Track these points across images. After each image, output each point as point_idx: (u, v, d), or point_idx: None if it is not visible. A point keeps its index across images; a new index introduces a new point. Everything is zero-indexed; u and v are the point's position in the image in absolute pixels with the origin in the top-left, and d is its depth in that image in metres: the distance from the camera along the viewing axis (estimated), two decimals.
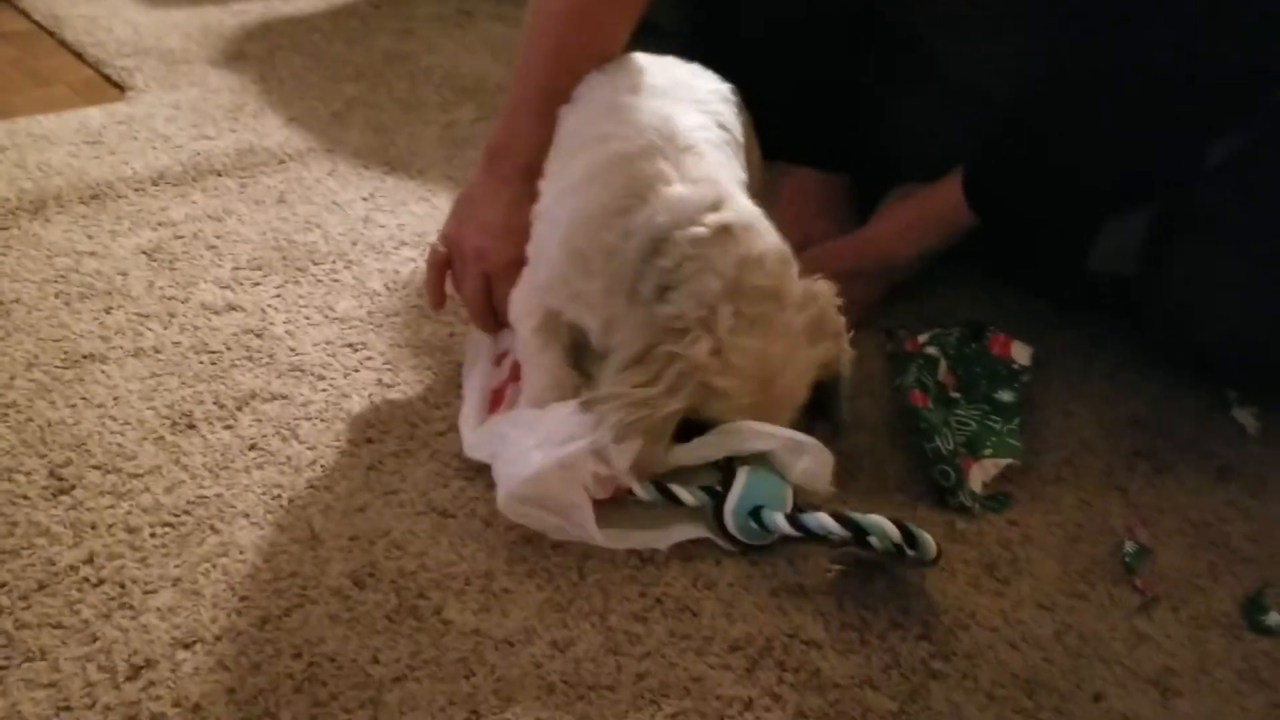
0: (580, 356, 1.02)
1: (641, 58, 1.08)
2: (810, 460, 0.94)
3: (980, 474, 1.05)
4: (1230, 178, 1.08)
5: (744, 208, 0.94)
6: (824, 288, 0.95)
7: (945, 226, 1.22)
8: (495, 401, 1.06)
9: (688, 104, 1.01)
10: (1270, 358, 1.12)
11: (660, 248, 0.90)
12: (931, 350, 1.15)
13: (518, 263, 1.02)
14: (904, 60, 1.29)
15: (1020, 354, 1.17)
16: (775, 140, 1.29)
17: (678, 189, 0.92)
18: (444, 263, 1.10)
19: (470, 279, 1.07)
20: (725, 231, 0.90)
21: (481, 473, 1.01)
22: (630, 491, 0.94)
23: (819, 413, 0.99)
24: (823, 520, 0.92)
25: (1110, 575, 0.98)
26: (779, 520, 0.93)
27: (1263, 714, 0.86)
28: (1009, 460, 1.05)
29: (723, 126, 1.02)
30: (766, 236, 0.93)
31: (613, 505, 0.95)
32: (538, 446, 0.92)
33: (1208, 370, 1.19)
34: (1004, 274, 1.34)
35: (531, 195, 1.02)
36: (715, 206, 0.91)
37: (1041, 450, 1.12)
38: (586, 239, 0.93)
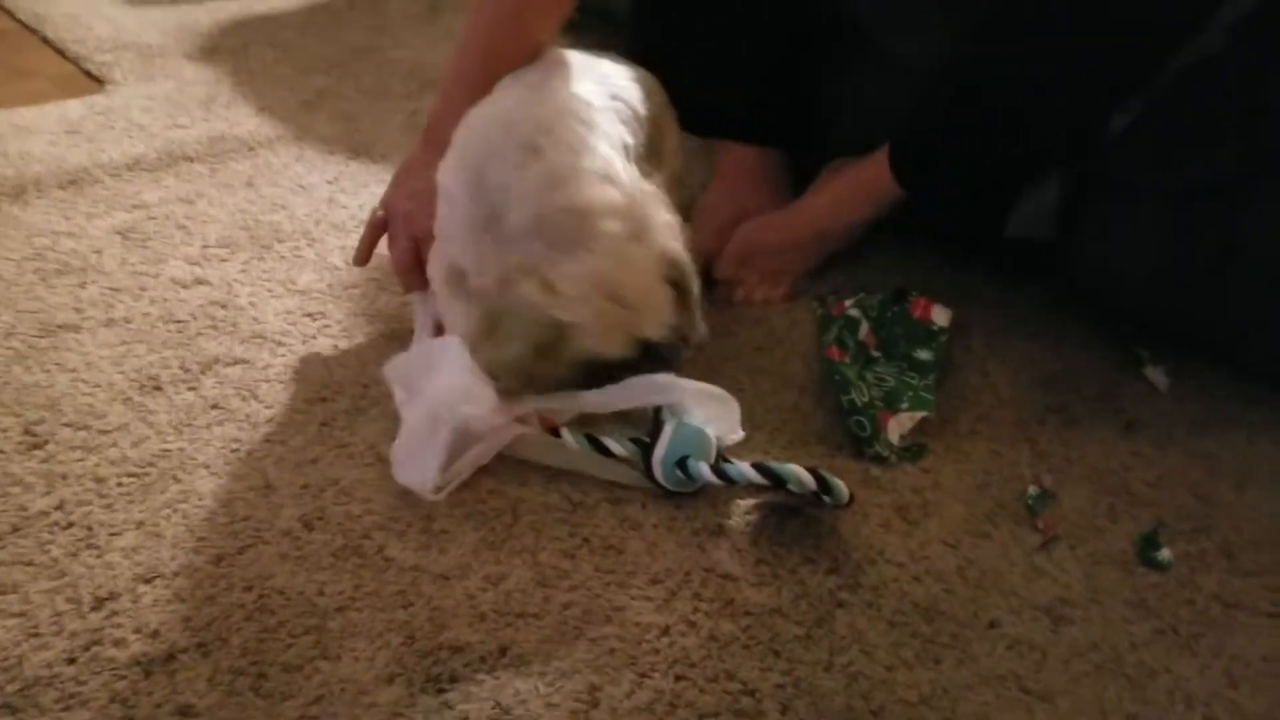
0: None
1: (559, 52, 1.17)
2: (718, 408, 1.01)
3: (897, 427, 1.12)
4: (1136, 140, 1.14)
5: (572, 138, 1.01)
6: (646, 189, 1.02)
7: (875, 198, 1.28)
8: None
9: (584, 79, 1.10)
10: (1180, 307, 1.19)
11: (480, 182, 0.99)
12: (854, 312, 1.22)
13: None
14: (836, 34, 1.35)
15: (940, 316, 1.23)
16: (712, 116, 1.37)
17: (522, 129, 1.01)
18: (380, 225, 1.21)
19: (399, 240, 1.17)
20: (532, 152, 0.98)
21: None
22: (559, 433, 1.01)
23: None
24: (743, 470, 0.99)
25: (1014, 517, 1.05)
26: (703, 470, 1.00)
27: (1148, 639, 0.93)
28: (924, 414, 1.12)
29: (616, 98, 1.11)
30: (584, 152, 0.99)
31: (551, 442, 1.02)
32: (428, 438, 0.98)
33: (1121, 329, 1.26)
34: (930, 240, 1.41)
35: None
36: (543, 133, 1.00)
37: (958, 406, 1.19)
38: (461, 186, 1.02)
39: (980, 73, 1.18)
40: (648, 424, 1.04)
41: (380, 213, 1.21)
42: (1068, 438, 1.16)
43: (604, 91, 1.10)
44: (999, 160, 1.22)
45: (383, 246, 1.23)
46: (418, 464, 0.98)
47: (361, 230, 1.26)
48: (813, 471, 0.97)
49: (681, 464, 1.00)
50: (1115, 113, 1.14)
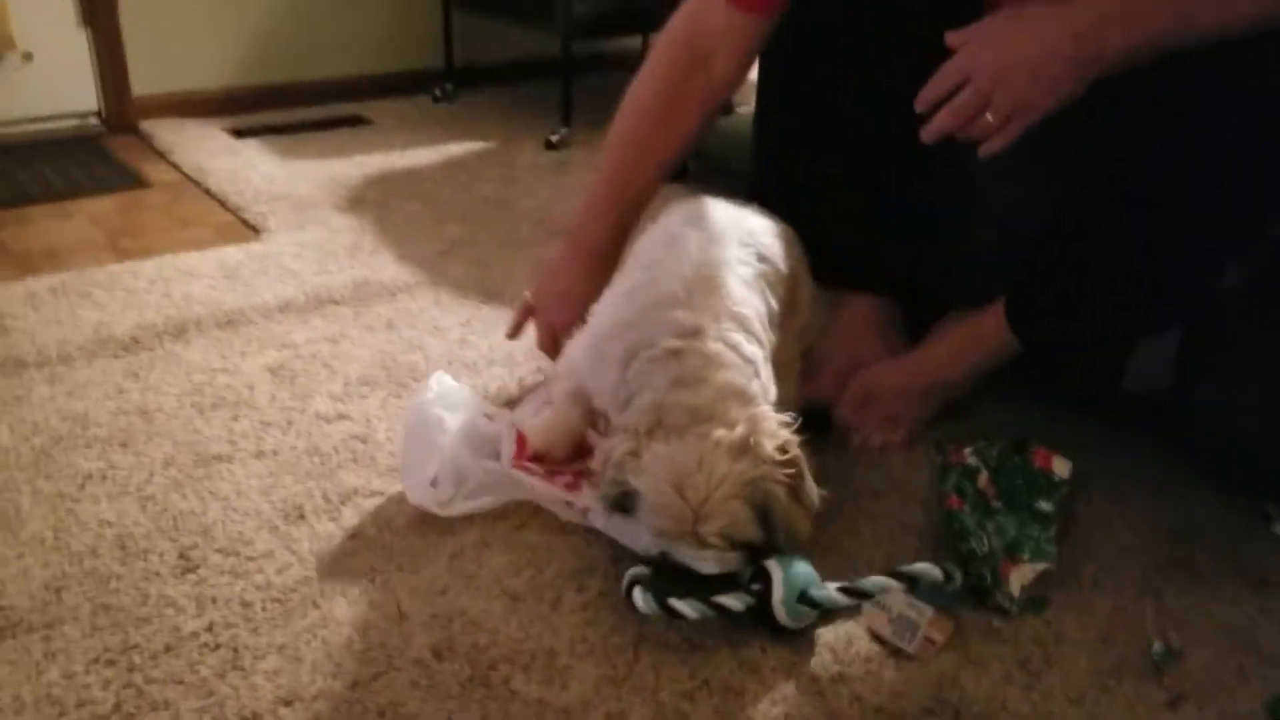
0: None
1: (706, 199, 1.24)
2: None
3: (1018, 577, 1.11)
4: (1247, 300, 1.15)
5: (717, 338, 1.08)
6: (764, 416, 1.04)
7: (991, 349, 1.31)
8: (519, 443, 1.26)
9: (732, 237, 1.16)
10: None
11: (629, 362, 1.09)
12: (973, 461, 1.23)
13: (574, 323, 1.29)
14: (948, 189, 1.40)
15: (1061, 468, 1.24)
16: (834, 269, 1.42)
17: (676, 314, 1.09)
18: (528, 310, 1.46)
19: (541, 328, 1.44)
20: (673, 355, 1.06)
21: (552, 562, 1.12)
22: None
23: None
24: (875, 579, 1.03)
25: (1139, 673, 1.03)
26: (832, 593, 1.03)
27: None
28: (1045, 565, 1.12)
29: (762, 259, 1.17)
30: (720, 367, 1.06)
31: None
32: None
33: (1245, 485, 1.25)
34: (1048, 393, 1.42)
35: (592, 270, 1.36)
36: (689, 334, 1.07)
37: (1081, 559, 1.18)
38: (606, 342, 1.13)
39: (1095, 228, 1.21)
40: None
41: (529, 298, 1.45)
42: (1193, 593, 1.14)
43: (751, 254, 1.18)
44: (1112, 315, 1.24)
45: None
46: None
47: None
48: (941, 566, 1.04)
49: (804, 597, 1.03)
50: (1230, 267, 1.15)
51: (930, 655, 1.03)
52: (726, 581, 1.05)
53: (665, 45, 1.36)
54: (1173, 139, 1.12)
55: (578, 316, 1.28)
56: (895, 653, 1.03)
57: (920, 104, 1.15)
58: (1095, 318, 1.24)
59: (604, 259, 1.39)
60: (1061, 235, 1.24)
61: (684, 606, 1.02)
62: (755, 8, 1.29)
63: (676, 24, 1.35)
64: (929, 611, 1.04)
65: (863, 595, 1.04)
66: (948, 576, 1.05)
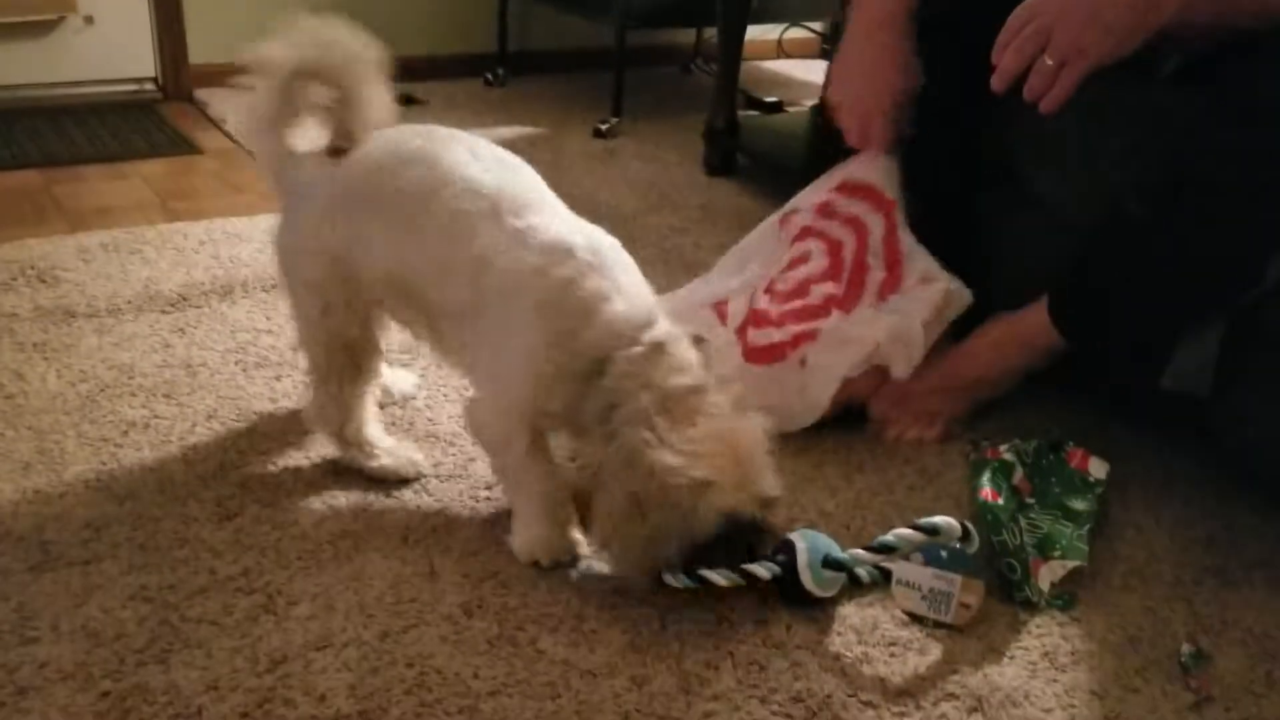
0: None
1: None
2: None
3: (1048, 574, 1.11)
4: None
5: (667, 321, 1.05)
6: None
7: (1034, 347, 1.31)
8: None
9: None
10: None
11: (602, 368, 1.01)
12: (1009, 457, 1.23)
13: (881, 105, 1.35)
14: (998, 188, 1.40)
15: (1097, 469, 1.23)
16: None
17: (618, 307, 1.02)
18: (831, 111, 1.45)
19: (847, 122, 1.42)
20: (658, 349, 1.01)
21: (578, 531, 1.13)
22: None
23: None
24: (898, 532, 1.05)
25: (1165, 675, 1.03)
26: (856, 553, 1.06)
27: None
28: (1076, 563, 1.12)
29: None
30: (685, 343, 1.04)
31: None
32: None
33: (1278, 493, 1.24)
34: (1085, 391, 1.42)
35: (883, 44, 1.36)
36: (648, 324, 1.03)
37: (1112, 560, 1.18)
38: (546, 362, 1.03)
39: (1144, 224, 1.21)
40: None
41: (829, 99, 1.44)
42: (1225, 599, 1.13)
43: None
44: (1158, 310, 1.23)
45: None
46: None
47: None
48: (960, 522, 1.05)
49: (828, 561, 1.04)
50: (1275, 265, 1.15)
51: (968, 619, 1.04)
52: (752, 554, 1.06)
53: None
54: (1230, 131, 1.12)
55: (883, 92, 1.31)
56: (918, 638, 1.04)
57: (997, 49, 1.16)
58: (1140, 313, 1.23)
59: (895, 29, 1.36)
60: (1110, 231, 1.24)
61: (714, 575, 1.03)
62: None
63: None
64: (958, 579, 1.04)
65: (886, 550, 1.05)
66: (965, 533, 1.05)
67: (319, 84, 1.11)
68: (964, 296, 1.35)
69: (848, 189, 1.43)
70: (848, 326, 1.36)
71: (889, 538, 1.05)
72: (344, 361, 1.17)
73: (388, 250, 1.10)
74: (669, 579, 1.03)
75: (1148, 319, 1.24)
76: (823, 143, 1.58)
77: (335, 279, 1.13)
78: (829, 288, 1.39)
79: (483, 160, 1.11)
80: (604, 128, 2.59)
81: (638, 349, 1.01)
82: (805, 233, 1.44)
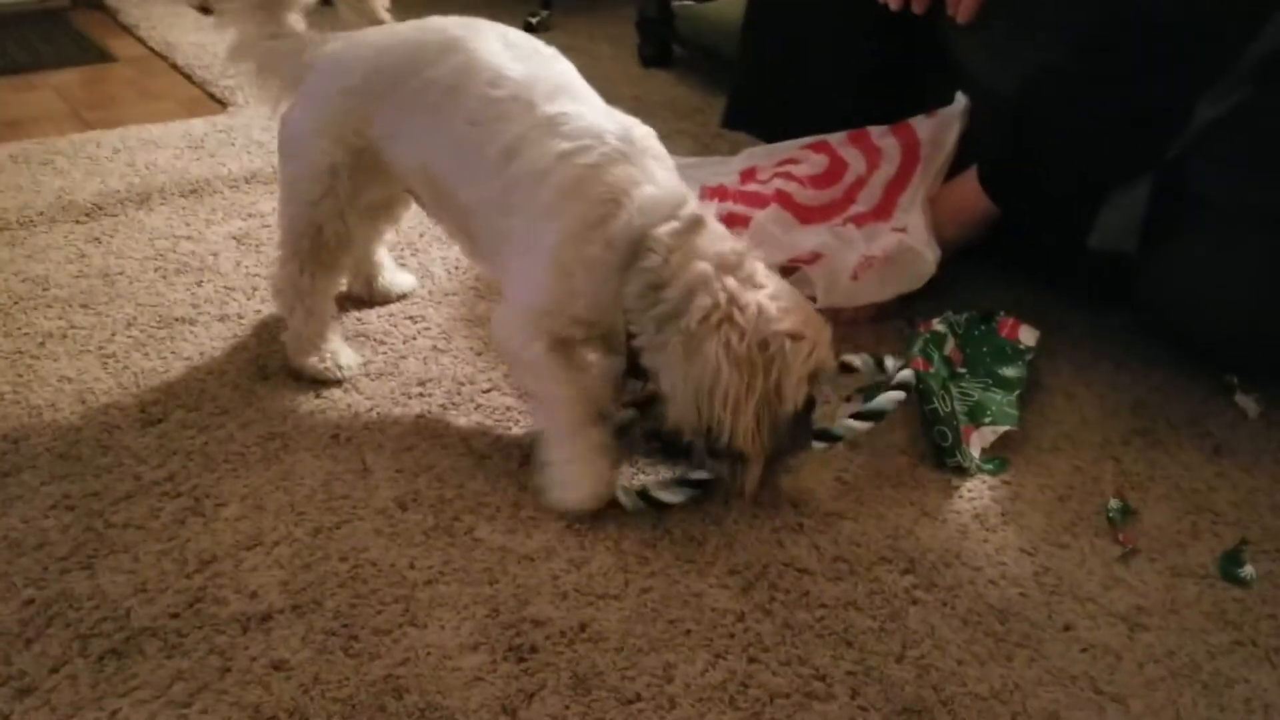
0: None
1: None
2: None
3: (979, 440, 1.12)
4: (1219, 153, 1.14)
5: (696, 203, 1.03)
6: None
7: (966, 218, 1.31)
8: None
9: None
10: (1266, 344, 1.18)
11: (638, 252, 0.98)
12: (940, 328, 1.23)
13: None
14: (930, 66, 1.39)
15: (1027, 336, 1.24)
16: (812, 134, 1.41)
17: (648, 189, 0.99)
18: None
19: None
20: (698, 221, 0.99)
21: (520, 424, 1.13)
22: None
23: None
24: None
25: (1093, 529, 1.05)
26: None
27: (1227, 649, 0.92)
28: (1007, 427, 1.13)
29: None
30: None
31: None
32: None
33: (1204, 353, 1.25)
34: (1016, 261, 1.42)
35: None
36: (683, 202, 1.00)
37: (1043, 424, 1.19)
38: (571, 253, 0.99)
39: (1072, 78, 1.20)
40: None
41: None
42: (1152, 458, 1.15)
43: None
44: (1088, 164, 1.23)
45: None
46: None
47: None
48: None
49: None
50: (1201, 104, 1.14)
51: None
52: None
53: None
54: None
55: None
56: (852, 507, 1.04)
57: None
58: (1070, 169, 1.23)
59: None
60: (1038, 89, 1.23)
61: (667, 495, 1.03)
62: None
63: None
64: None
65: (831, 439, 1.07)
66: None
67: None
68: (926, 263, 1.30)
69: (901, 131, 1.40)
70: (778, 230, 1.34)
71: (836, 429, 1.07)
72: (314, 251, 1.14)
73: (419, 140, 1.07)
74: (622, 499, 1.02)
75: (1078, 175, 1.24)
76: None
77: (355, 167, 1.10)
78: (798, 189, 1.37)
79: (517, 48, 1.07)
80: (534, 21, 2.53)
81: (675, 223, 0.98)
82: (820, 146, 1.42)
